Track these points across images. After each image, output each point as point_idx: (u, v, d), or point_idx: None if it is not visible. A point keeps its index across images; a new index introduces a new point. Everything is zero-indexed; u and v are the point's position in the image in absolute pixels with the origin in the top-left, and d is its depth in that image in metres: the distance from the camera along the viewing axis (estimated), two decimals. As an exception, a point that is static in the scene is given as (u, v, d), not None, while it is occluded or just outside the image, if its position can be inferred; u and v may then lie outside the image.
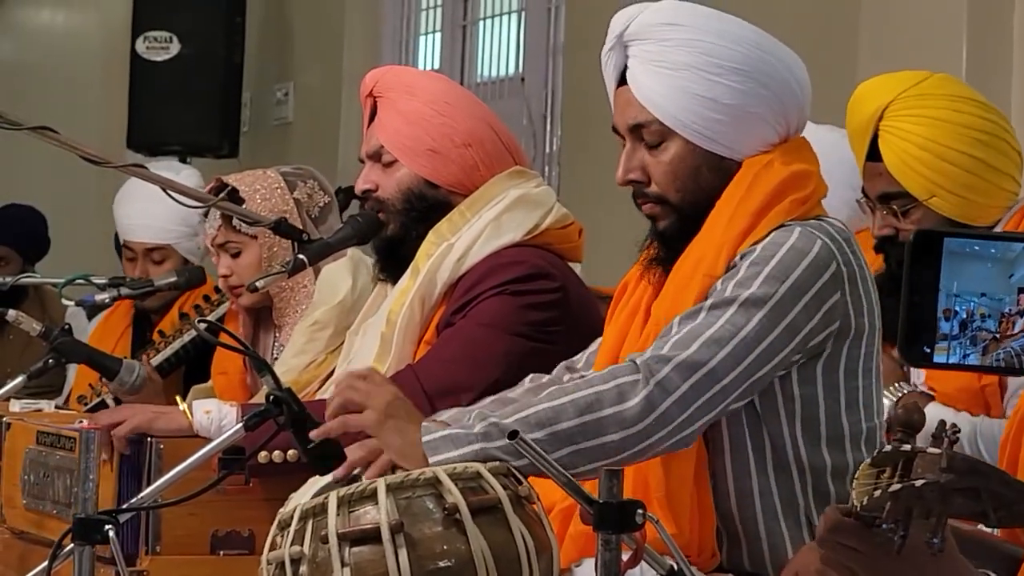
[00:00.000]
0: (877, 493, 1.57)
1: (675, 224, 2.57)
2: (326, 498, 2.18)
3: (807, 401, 2.49)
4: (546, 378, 2.76)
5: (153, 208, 4.22)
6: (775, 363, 2.42)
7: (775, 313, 2.41)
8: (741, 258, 2.47)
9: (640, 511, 2.06)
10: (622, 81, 2.59)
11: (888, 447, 1.59)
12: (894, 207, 3.06)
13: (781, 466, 2.50)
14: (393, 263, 3.14)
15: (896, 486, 1.55)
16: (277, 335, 3.61)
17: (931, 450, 1.56)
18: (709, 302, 2.43)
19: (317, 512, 2.18)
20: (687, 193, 2.55)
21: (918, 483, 1.54)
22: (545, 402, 2.37)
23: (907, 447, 1.58)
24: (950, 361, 1.56)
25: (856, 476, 1.62)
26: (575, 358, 2.80)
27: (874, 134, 3.05)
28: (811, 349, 2.46)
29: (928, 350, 1.56)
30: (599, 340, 2.75)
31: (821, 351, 2.48)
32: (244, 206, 3.51)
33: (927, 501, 1.54)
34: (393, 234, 3.13)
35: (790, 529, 2.50)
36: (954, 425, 1.57)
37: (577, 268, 3.17)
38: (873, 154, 3.06)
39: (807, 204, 2.53)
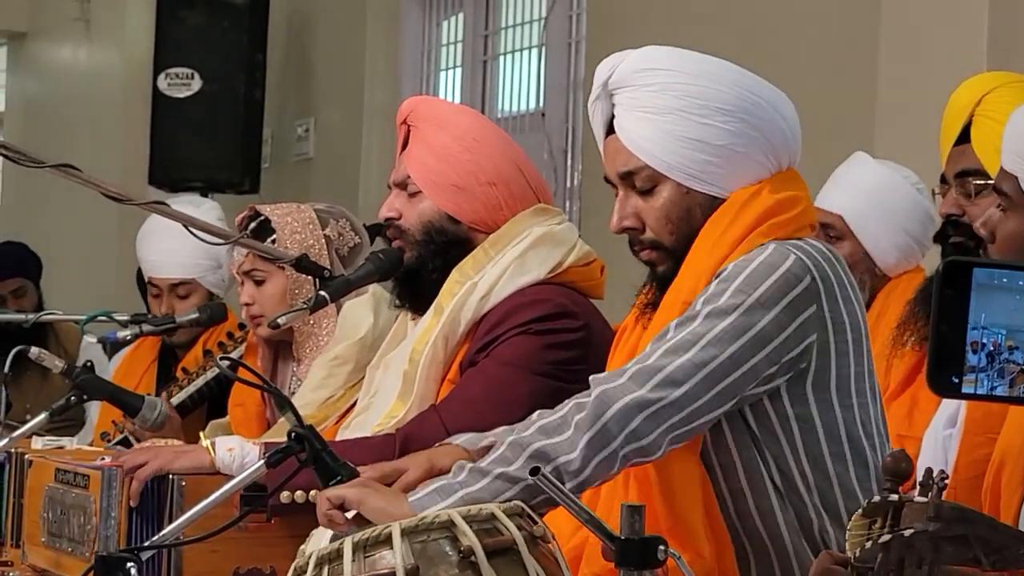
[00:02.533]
0: (868, 544, 1.57)
1: (672, 268, 2.56)
2: (341, 543, 2.17)
3: (803, 421, 2.48)
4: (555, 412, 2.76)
5: (177, 243, 4.23)
6: (743, 371, 2.40)
7: (741, 321, 2.39)
8: (715, 278, 2.46)
9: (662, 547, 2.04)
10: (610, 131, 2.59)
11: (877, 497, 1.59)
12: (968, 186, 3.02)
13: (790, 486, 2.49)
14: (408, 291, 3.14)
15: (886, 537, 1.56)
16: (295, 368, 3.61)
17: (918, 499, 1.57)
18: (676, 321, 2.43)
19: (333, 558, 2.16)
20: (681, 236, 2.55)
21: (907, 533, 1.55)
22: (518, 433, 2.41)
23: (895, 497, 1.58)
24: (978, 392, 1.55)
25: (848, 527, 1.62)
26: (585, 392, 2.79)
27: (968, 120, 3.02)
28: (789, 363, 2.44)
29: (956, 380, 1.55)
30: None
31: (804, 366, 2.46)
32: (274, 236, 3.52)
33: (918, 550, 1.55)
34: (409, 263, 3.13)
35: (810, 547, 2.49)
36: (942, 472, 1.56)
37: (598, 304, 3.17)
38: (962, 138, 3.03)
39: (788, 228, 2.52)
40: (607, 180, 2.61)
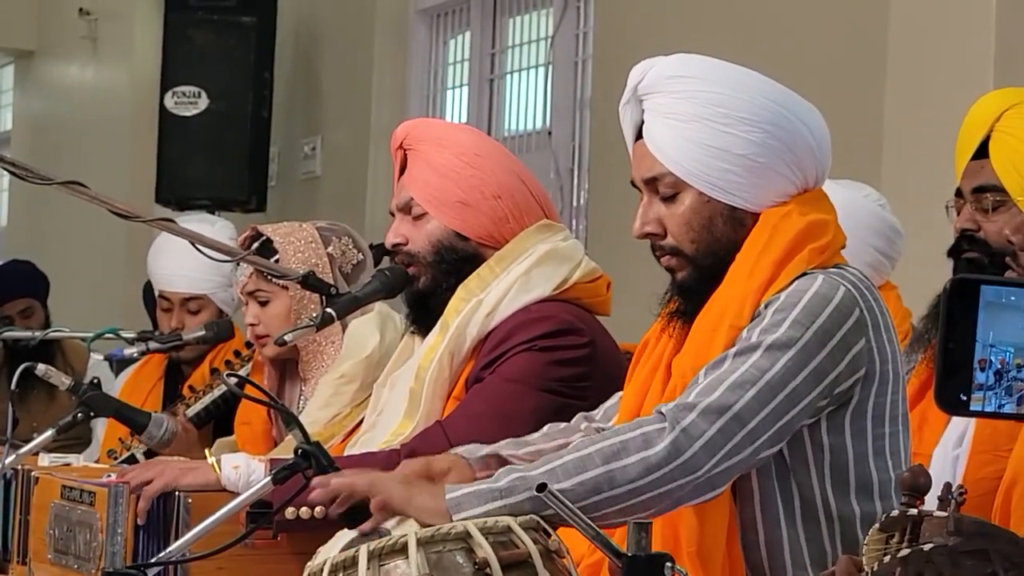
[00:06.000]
0: (887, 559, 1.57)
1: (692, 276, 2.57)
2: (356, 551, 2.17)
3: (836, 450, 2.48)
4: (563, 426, 2.75)
5: (189, 259, 4.24)
6: (802, 407, 2.41)
7: (801, 357, 2.40)
8: (766, 306, 2.46)
9: (669, 564, 2.04)
10: (639, 135, 2.60)
11: (895, 511, 1.58)
12: (985, 201, 3.01)
13: (810, 516, 2.49)
14: (424, 315, 3.14)
15: (905, 551, 1.55)
16: (303, 388, 3.61)
17: (938, 513, 1.57)
18: (734, 350, 2.42)
19: (347, 565, 2.16)
20: (701, 244, 2.55)
21: (926, 547, 1.55)
22: (572, 453, 2.36)
23: (914, 511, 1.58)
24: (986, 410, 1.55)
25: (865, 542, 1.61)
26: (594, 411, 2.79)
27: (987, 135, 3.01)
28: (838, 396, 2.45)
29: (964, 398, 1.55)
30: (619, 394, 2.74)
31: (849, 398, 2.47)
32: (277, 256, 3.51)
33: (937, 565, 1.54)
34: (424, 287, 3.13)
35: None
36: (961, 487, 1.56)
37: (605, 322, 3.17)
38: (980, 153, 3.02)
39: (826, 253, 2.53)
40: (634, 185, 2.62)
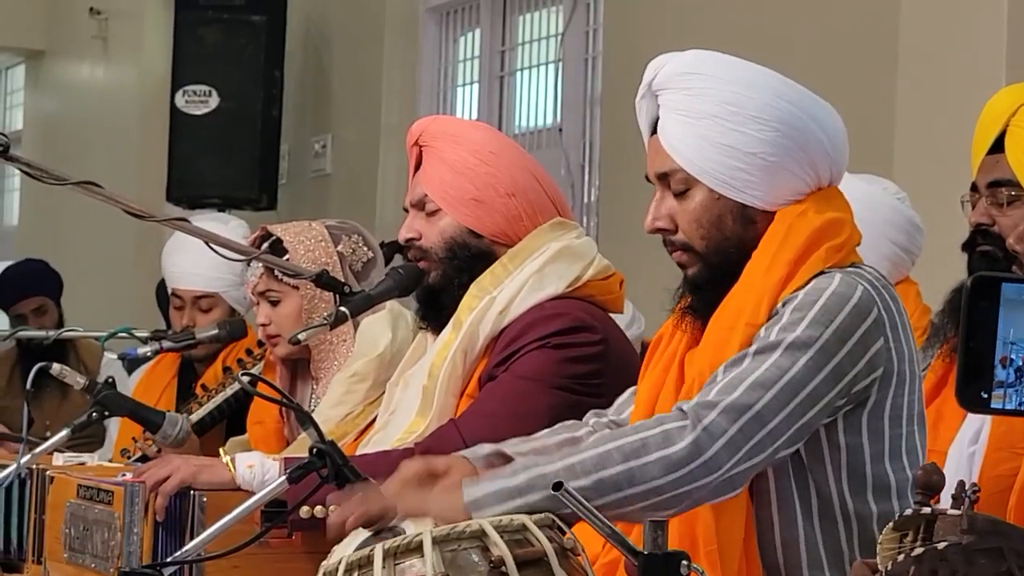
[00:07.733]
0: (901, 557, 1.57)
1: (703, 272, 2.57)
2: (371, 550, 2.17)
3: (852, 450, 2.48)
4: (572, 423, 2.75)
5: (202, 257, 4.24)
6: (821, 407, 2.41)
7: (820, 356, 2.40)
8: (783, 305, 2.46)
9: (685, 562, 2.04)
10: (655, 130, 2.60)
11: (909, 510, 1.59)
12: (1000, 195, 3.01)
13: (827, 515, 2.49)
14: (435, 312, 3.14)
15: (919, 550, 1.56)
16: (315, 387, 3.61)
17: (951, 512, 1.57)
18: (753, 348, 2.42)
19: (363, 564, 2.16)
20: (711, 241, 2.55)
21: (940, 546, 1.55)
22: (591, 449, 2.36)
23: (927, 510, 1.58)
24: (1006, 407, 1.55)
25: (880, 541, 1.62)
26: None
27: (1003, 130, 3.01)
28: (856, 395, 2.45)
29: (985, 396, 1.55)
30: (631, 389, 2.74)
31: (866, 398, 2.47)
32: (287, 256, 3.51)
33: (951, 563, 1.55)
34: (435, 283, 3.13)
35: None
36: (974, 484, 1.56)
37: (618, 318, 3.16)
38: (995, 148, 3.02)
39: (843, 251, 2.53)
40: (647, 179, 2.62)
